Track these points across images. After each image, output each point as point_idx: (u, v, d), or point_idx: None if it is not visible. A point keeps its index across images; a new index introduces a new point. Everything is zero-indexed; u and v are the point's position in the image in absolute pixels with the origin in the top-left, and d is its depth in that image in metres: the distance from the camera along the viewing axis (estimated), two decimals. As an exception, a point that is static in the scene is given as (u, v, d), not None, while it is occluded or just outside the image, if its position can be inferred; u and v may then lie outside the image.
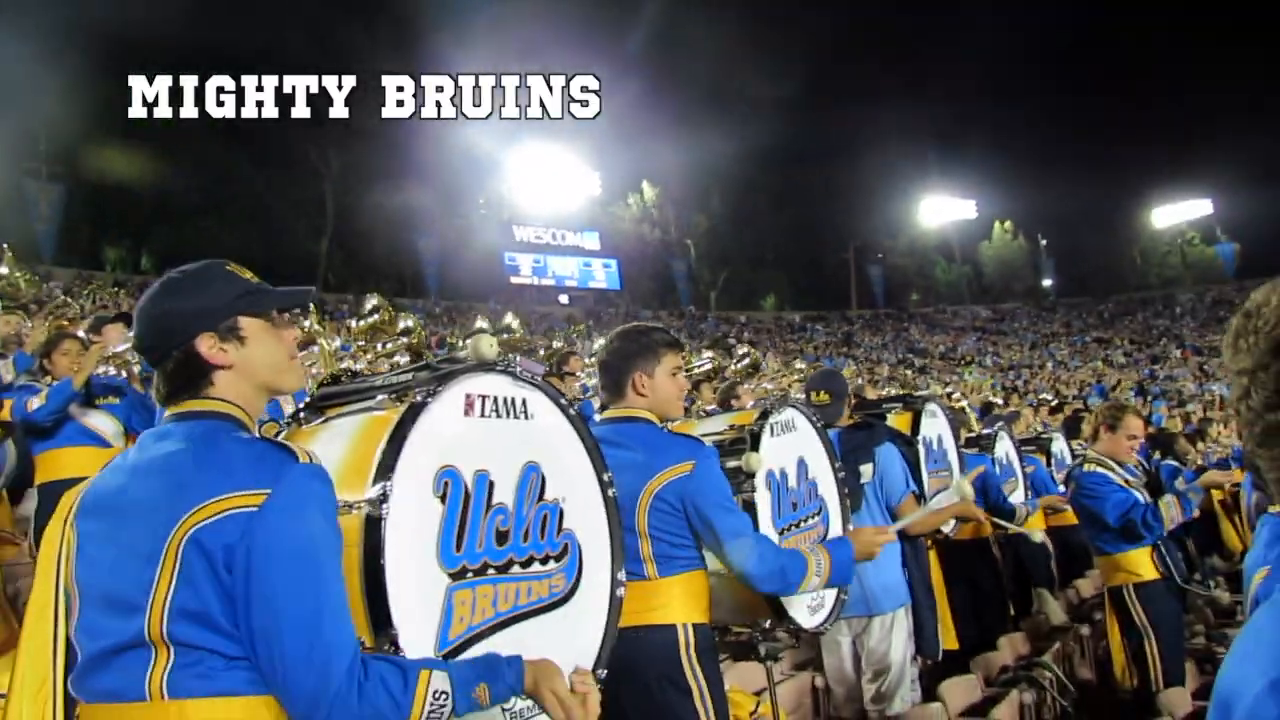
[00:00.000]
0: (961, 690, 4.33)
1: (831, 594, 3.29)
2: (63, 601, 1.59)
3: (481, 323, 16.36)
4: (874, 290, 52.75)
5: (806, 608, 3.12)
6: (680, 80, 42.55)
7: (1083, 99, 54.74)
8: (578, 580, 2.31)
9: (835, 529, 3.43)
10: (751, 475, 2.95)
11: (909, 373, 30.36)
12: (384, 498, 1.81)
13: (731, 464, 2.98)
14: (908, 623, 4.03)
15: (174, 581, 1.45)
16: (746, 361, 11.47)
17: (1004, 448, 6.11)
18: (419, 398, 1.98)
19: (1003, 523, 5.09)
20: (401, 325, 8.41)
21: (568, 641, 2.25)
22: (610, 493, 2.48)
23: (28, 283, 6.45)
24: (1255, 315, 0.90)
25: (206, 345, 1.62)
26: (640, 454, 2.68)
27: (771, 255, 50.25)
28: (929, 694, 4.21)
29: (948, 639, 4.92)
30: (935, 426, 4.93)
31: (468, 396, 2.12)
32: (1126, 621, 4.43)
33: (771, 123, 41.77)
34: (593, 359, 8.60)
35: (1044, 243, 55.01)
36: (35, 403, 4.31)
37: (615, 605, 2.40)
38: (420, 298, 38.92)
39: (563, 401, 2.41)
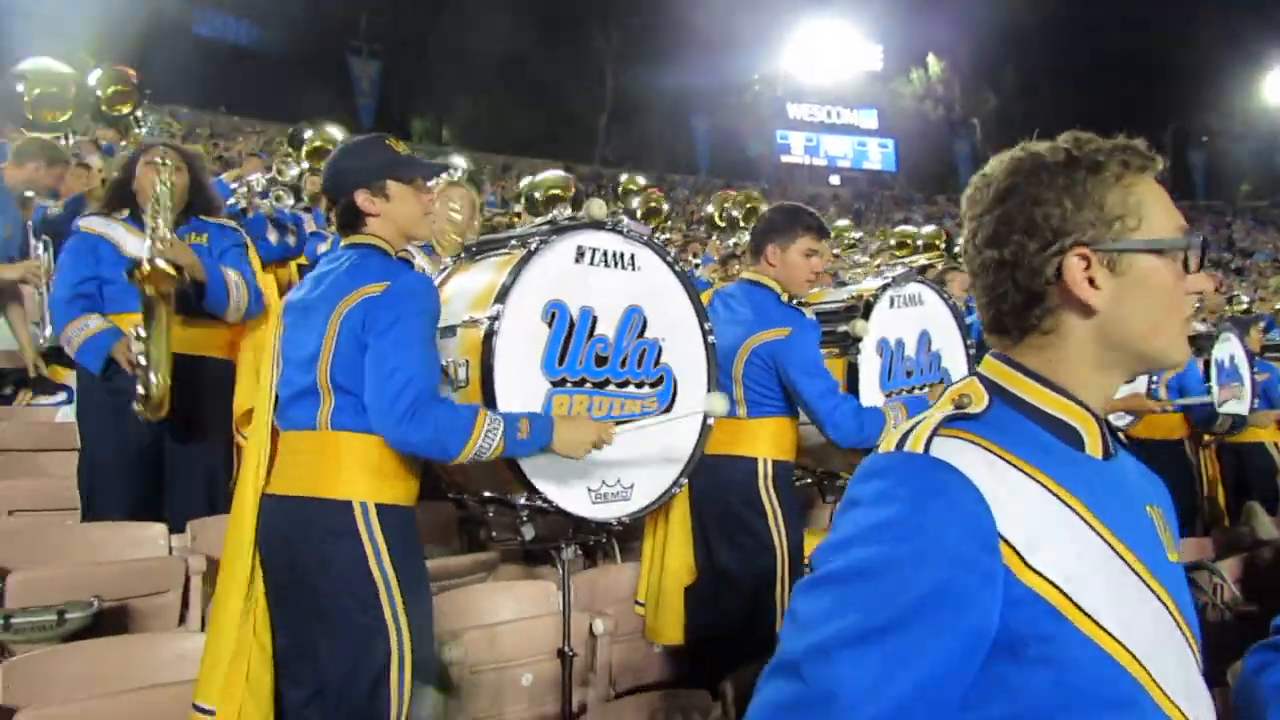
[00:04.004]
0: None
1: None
2: (274, 366, 2.35)
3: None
4: (1193, 179, 46.55)
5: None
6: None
7: None
8: (670, 405, 2.82)
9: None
10: (858, 340, 3.26)
11: (1219, 274, 27.01)
12: (497, 317, 2.41)
13: (841, 329, 3.31)
14: None
15: (334, 346, 2.15)
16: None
17: (1228, 350, 5.76)
18: (533, 245, 2.53)
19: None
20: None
21: (656, 450, 2.78)
22: (710, 339, 2.94)
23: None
24: (989, 175, 1.12)
25: (361, 197, 2.27)
26: (749, 313, 3.09)
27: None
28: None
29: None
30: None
31: (579, 247, 2.65)
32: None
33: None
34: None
35: None
36: (323, 248, 5.44)
37: (704, 431, 2.90)
38: (691, 174, 39.70)
39: (669, 259, 2.87)
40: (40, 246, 4.45)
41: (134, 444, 3.39)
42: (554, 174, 6.49)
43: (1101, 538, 1.00)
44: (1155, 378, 5.05)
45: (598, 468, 2.62)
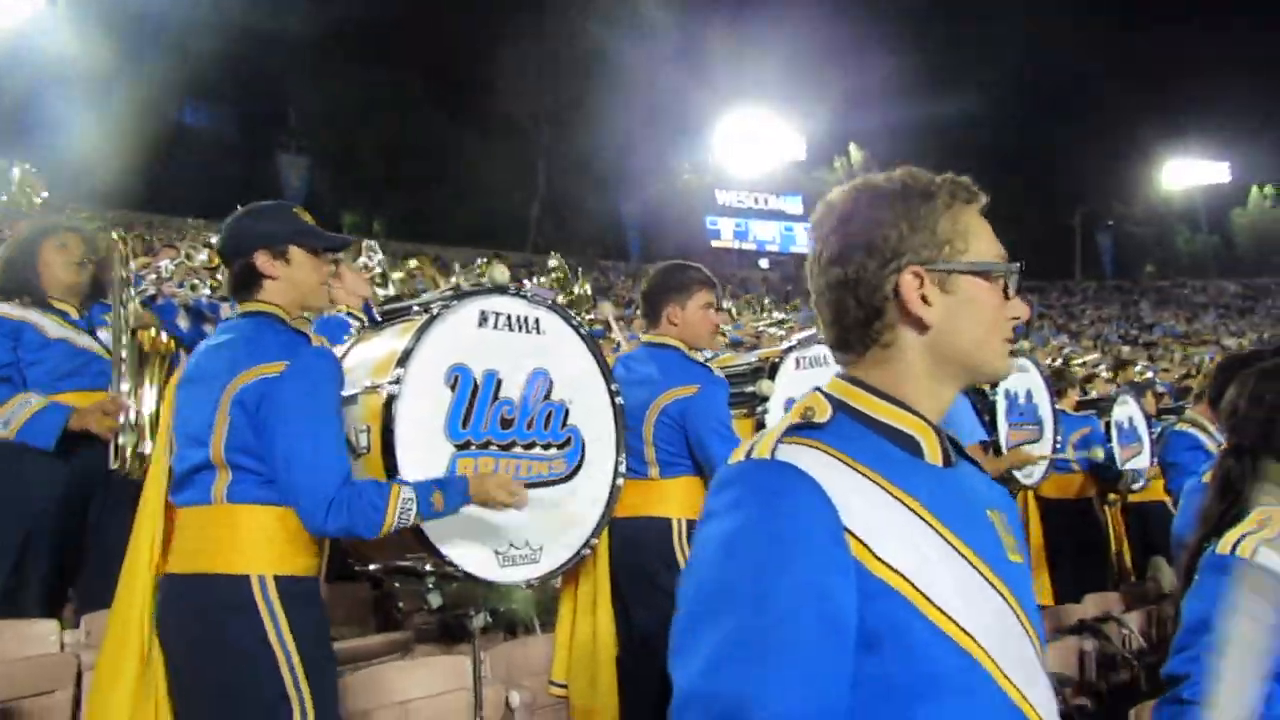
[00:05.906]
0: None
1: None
2: (167, 443, 2.30)
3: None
4: (1102, 260, 48.99)
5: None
6: (890, 40, 41.14)
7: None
8: (579, 467, 2.85)
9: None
10: (765, 399, 3.34)
11: (1125, 348, 28.15)
12: (397, 382, 2.43)
13: (750, 389, 3.40)
14: None
15: (228, 423, 2.11)
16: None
17: (1127, 412, 6.01)
18: (435, 310, 2.57)
19: None
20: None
21: (564, 511, 2.79)
22: (617, 400, 2.98)
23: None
24: (832, 201, 1.21)
25: (262, 259, 2.25)
26: (655, 372, 3.14)
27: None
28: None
29: (1042, 594, 5.05)
30: (1023, 381, 5.03)
31: (482, 312, 2.69)
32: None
33: (990, 79, 39.65)
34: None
35: (1313, 211, 48.68)
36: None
37: (614, 492, 2.92)
38: (622, 260, 40.37)
39: (574, 322, 2.93)
40: None
41: (46, 532, 3.20)
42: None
43: (942, 537, 1.07)
44: (1060, 438, 5.22)
45: (505, 530, 2.62)
